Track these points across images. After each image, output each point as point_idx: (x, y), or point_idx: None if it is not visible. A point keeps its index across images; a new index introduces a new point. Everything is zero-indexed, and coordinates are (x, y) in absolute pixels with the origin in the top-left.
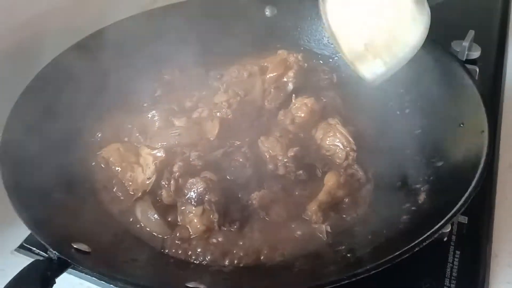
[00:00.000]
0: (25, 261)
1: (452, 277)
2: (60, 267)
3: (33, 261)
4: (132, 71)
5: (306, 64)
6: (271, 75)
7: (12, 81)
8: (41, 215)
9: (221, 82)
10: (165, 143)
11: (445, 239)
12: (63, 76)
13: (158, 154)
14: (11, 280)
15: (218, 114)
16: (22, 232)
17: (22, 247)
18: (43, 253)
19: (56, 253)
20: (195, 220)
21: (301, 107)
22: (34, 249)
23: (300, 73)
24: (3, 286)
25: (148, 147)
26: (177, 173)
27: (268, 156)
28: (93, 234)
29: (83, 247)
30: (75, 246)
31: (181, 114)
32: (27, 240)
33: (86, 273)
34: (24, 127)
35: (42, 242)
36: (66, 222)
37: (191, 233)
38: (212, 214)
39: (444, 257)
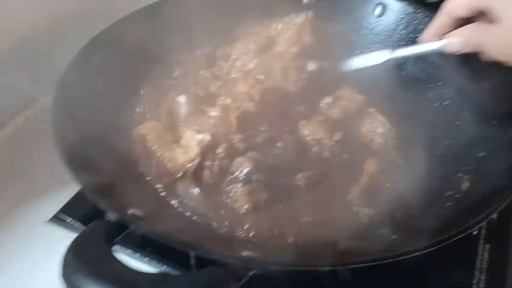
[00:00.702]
0: (58, 232)
1: (482, 269)
2: (118, 230)
3: (95, 222)
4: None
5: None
6: (288, 51)
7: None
8: (95, 181)
9: (231, 64)
10: (198, 128)
11: (475, 232)
12: (108, 49)
13: (204, 138)
14: (78, 236)
15: (240, 106)
16: (54, 203)
17: (55, 218)
18: (78, 223)
19: (116, 216)
20: (242, 199)
21: (337, 102)
22: (69, 220)
23: (320, 42)
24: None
25: (192, 130)
26: (222, 154)
27: (311, 139)
28: (138, 203)
29: (138, 212)
30: (130, 212)
31: (208, 101)
32: (61, 211)
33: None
34: (74, 92)
35: (102, 206)
36: (115, 190)
37: (237, 211)
38: (260, 193)
39: (474, 250)
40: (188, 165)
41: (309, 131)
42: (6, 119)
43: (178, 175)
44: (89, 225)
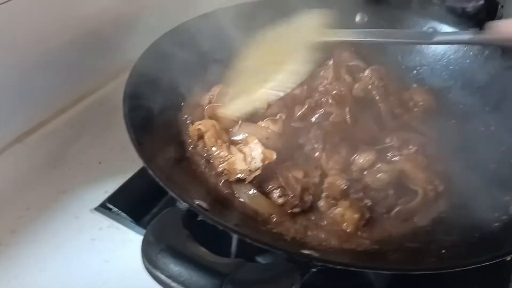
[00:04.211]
0: (103, 220)
1: None
2: (189, 217)
3: (170, 208)
4: None
5: None
6: None
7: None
8: (165, 173)
9: None
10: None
11: (508, 258)
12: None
13: (269, 155)
14: (156, 219)
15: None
16: (101, 193)
17: (102, 206)
18: (123, 213)
19: (186, 205)
20: (347, 213)
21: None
22: (115, 209)
23: None
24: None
25: (258, 141)
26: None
27: None
28: (201, 196)
29: (203, 204)
30: (196, 202)
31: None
32: (107, 201)
33: None
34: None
35: (175, 196)
36: (180, 182)
37: (344, 228)
38: (362, 202)
39: (506, 276)
40: (245, 175)
41: None
42: (62, 108)
43: (231, 179)
44: (165, 210)
